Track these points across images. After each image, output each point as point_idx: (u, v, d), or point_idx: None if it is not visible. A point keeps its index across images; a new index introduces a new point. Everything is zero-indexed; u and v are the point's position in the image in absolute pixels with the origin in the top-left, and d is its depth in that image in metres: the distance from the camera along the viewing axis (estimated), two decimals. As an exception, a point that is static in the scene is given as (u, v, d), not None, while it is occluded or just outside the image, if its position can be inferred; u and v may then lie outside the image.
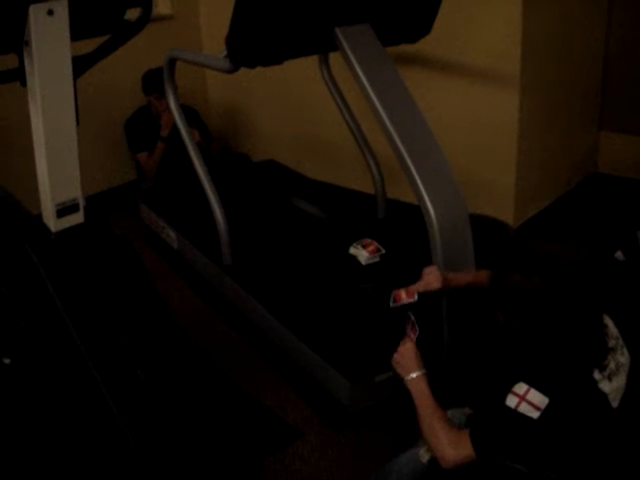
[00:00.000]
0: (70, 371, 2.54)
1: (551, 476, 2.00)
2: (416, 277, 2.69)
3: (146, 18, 2.67)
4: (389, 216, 4.14)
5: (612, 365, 1.94)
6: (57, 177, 2.53)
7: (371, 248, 3.38)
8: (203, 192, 3.74)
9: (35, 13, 2.21)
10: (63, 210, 2.58)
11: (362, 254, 3.37)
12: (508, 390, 1.90)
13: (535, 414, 1.86)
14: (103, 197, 5.14)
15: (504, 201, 4.35)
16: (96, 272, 2.64)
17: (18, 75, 2.39)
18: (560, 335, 1.92)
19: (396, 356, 2.23)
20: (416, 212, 2.99)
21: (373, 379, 2.95)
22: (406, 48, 3.56)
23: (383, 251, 3.39)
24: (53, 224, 2.59)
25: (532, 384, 1.87)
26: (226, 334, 3.71)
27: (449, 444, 1.96)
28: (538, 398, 1.86)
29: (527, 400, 1.86)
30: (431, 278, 2.65)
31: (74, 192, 2.59)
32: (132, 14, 2.71)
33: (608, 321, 2.02)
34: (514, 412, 1.87)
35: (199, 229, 4.06)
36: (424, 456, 2.22)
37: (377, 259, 3.37)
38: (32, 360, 2.56)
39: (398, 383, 2.30)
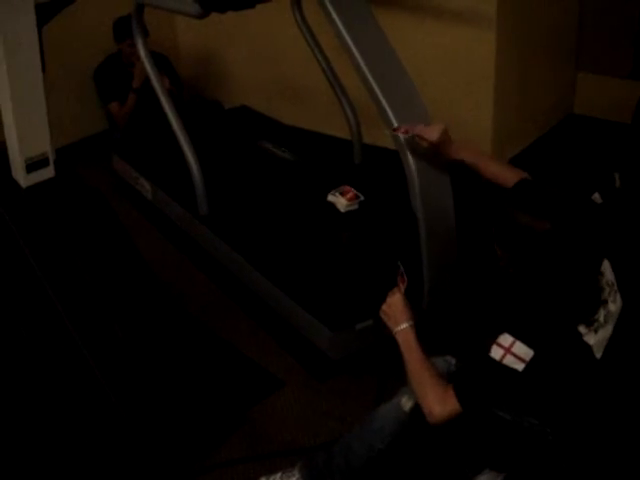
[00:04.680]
0: (45, 328, 2.50)
1: (534, 423, 2.00)
2: (396, 225, 2.66)
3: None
4: (366, 161, 4.09)
5: (601, 318, 1.93)
6: (25, 131, 2.45)
7: (349, 195, 3.34)
8: (176, 141, 3.66)
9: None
10: (33, 165, 2.51)
11: (340, 201, 3.33)
12: (493, 341, 1.88)
13: (520, 366, 1.84)
14: (74, 148, 5.03)
15: (481, 143, 4.30)
16: (69, 227, 2.59)
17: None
18: (556, 285, 1.89)
19: (384, 307, 2.19)
20: (393, 157, 2.95)
21: (354, 327, 2.94)
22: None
23: (362, 198, 3.35)
24: (23, 179, 2.53)
25: (517, 336, 1.85)
26: (205, 285, 3.68)
27: (436, 400, 1.94)
28: (523, 350, 1.84)
29: (512, 352, 1.85)
30: (434, 129, 2.59)
31: (43, 146, 2.53)
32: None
33: (606, 267, 1.99)
34: (499, 364, 1.86)
35: (173, 179, 3.99)
36: (406, 404, 2.22)
37: (356, 206, 3.33)
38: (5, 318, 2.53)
39: (379, 331, 2.28)
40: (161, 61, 4.85)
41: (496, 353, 1.87)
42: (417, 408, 2.09)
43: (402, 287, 2.22)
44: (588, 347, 1.92)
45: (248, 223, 3.54)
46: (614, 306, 1.98)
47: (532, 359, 1.84)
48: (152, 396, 2.62)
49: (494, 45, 4.08)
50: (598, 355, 1.95)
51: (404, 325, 2.12)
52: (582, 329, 1.90)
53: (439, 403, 1.93)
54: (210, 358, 3.02)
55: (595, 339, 1.93)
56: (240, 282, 3.45)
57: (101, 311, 2.58)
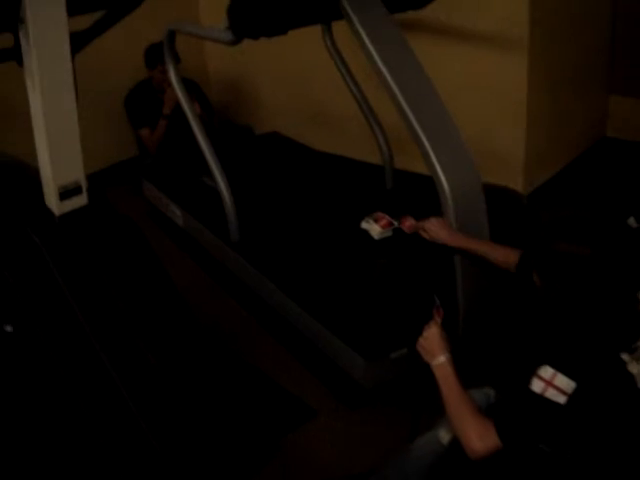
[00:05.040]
0: (78, 358, 2.48)
1: (573, 456, 1.95)
2: (430, 251, 2.63)
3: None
4: (398, 187, 4.06)
5: None
6: (59, 159, 2.44)
7: (383, 222, 3.31)
8: (207, 167, 3.65)
9: (31, -11, 2.12)
10: (66, 193, 2.50)
11: (374, 228, 3.30)
12: (533, 373, 1.84)
13: (562, 399, 1.80)
14: (104, 174, 5.05)
15: (513, 168, 4.27)
16: (102, 255, 2.57)
17: (14, 54, 2.30)
18: (597, 312, 1.85)
19: (421, 341, 2.14)
20: (425, 182, 2.92)
21: (389, 356, 2.89)
22: (410, 14, 3.46)
23: (396, 224, 3.31)
24: (56, 207, 2.51)
25: (559, 368, 1.81)
26: (236, 312, 3.65)
27: (476, 436, 1.89)
28: (565, 383, 1.80)
29: (554, 385, 1.81)
30: (438, 229, 2.66)
31: (77, 174, 2.52)
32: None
33: None
34: (540, 398, 1.81)
35: (204, 205, 3.99)
36: (444, 437, 2.17)
37: (390, 233, 3.30)
38: (40, 351, 2.51)
39: (414, 360, 2.24)
40: (192, 87, 4.87)
41: (537, 386, 1.82)
42: (455, 441, 2.04)
43: (438, 320, 2.18)
44: (631, 376, 1.86)
45: (280, 250, 3.52)
46: None
47: (574, 391, 1.79)
48: (185, 425, 2.58)
49: (526, 69, 4.05)
50: None
51: (441, 359, 2.07)
52: (625, 357, 1.85)
53: (479, 439, 1.88)
54: (242, 387, 2.99)
55: (638, 368, 1.87)
56: (272, 309, 3.41)
57: (134, 340, 2.56)
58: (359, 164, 4.58)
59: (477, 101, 4.17)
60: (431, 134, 2.86)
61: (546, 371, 1.82)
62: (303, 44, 4.23)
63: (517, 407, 1.89)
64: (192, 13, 5.44)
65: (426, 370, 2.13)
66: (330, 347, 3.05)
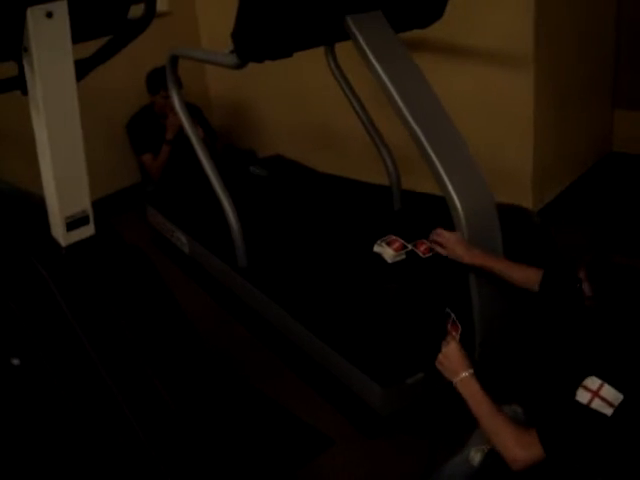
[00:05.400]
0: (87, 391, 2.41)
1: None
2: (444, 273, 2.58)
3: (150, 15, 2.52)
4: (406, 208, 4.00)
5: None
6: (65, 189, 2.38)
7: (396, 245, 3.24)
8: (212, 192, 3.61)
9: (33, 16, 2.05)
10: (73, 223, 2.44)
11: (387, 252, 3.23)
12: (577, 384, 1.80)
13: (609, 411, 1.76)
14: (107, 201, 5.01)
15: (522, 185, 4.22)
16: (111, 286, 2.50)
17: (18, 83, 2.24)
18: None
19: (441, 358, 2.08)
20: (433, 202, 2.87)
21: (405, 382, 2.82)
22: (415, 32, 3.43)
23: (409, 247, 3.25)
24: (63, 238, 2.45)
25: (606, 379, 1.77)
26: (246, 340, 3.58)
27: (518, 445, 1.84)
28: (612, 394, 1.76)
29: (600, 396, 1.76)
30: (454, 245, 2.62)
31: (83, 204, 2.46)
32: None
33: None
34: (586, 408, 1.78)
35: (210, 231, 3.93)
36: (474, 457, 2.11)
37: (403, 256, 3.23)
38: (48, 384, 2.44)
39: (432, 384, 2.17)
40: (194, 112, 4.83)
41: (583, 397, 1.79)
42: (486, 462, 2.02)
43: (456, 335, 2.12)
44: None
45: (289, 275, 3.46)
46: None
47: (621, 403, 1.76)
48: (197, 457, 2.51)
49: (532, 85, 4.02)
50: None
51: (464, 374, 2.02)
52: None
53: (522, 448, 1.83)
54: (255, 416, 2.92)
55: None
56: (282, 336, 3.35)
57: (144, 371, 2.49)
58: (365, 185, 4.53)
59: (484, 118, 4.13)
60: (441, 153, 2.82)
61: (593, 382, 1.78)
62: (305, 65, 4.19)
63: (561, 417, 1.85)
64: (193, 37, 5.41)
65: (444, 394, 2.07)
66: (344, 374, 2.98)
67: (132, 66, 4.76)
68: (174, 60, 3.59)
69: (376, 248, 3.28)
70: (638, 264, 1.83)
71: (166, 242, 4.39)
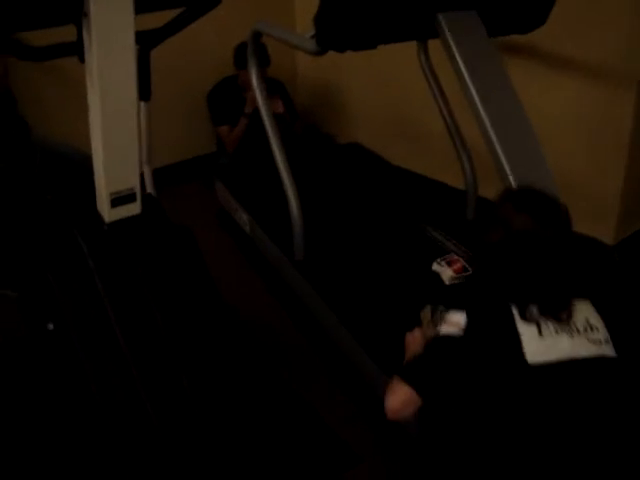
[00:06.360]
0: (111, 376, 2.33)
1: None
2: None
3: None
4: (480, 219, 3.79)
5: (551, 326, 1.84)
6: (113, 164, 2.29)
7: (457, 266, 3.03)
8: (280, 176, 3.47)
9: (94, -17, 1.96)
10: (118, 199, 2.35)
11: (446, 272, 3.02)
12: None
13: (456, 330, 1.83)
14: (181, 167, 4.95)
15: (606, 213, 3.94)
16: (149, 269, 2.41)
17: (76, 49, 2.13)
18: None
19: (409, 337, 2.21)
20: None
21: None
22: (513, 37, 3.20)
23: (470, 271, 3.04)
24: (107, 214, 2.36)
25: (451, 306, 1.89)
26: (292, 335, 3.43)
27: (388, 393, 1.88)
28: (457, 317, 1.85)
29: (448, 321, 1.85)
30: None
31: (132, 181, 2.36)
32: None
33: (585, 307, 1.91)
34: (437, 337, 1.86)
35: (273, 216, 3.81)
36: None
37: (462, 279, 3.03)
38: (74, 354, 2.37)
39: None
40: (277, 87, 4.73)
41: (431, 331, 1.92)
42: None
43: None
44: (517, 335, 1.81)
45: (345, 278, 3.30)
46: (573, 341, 1.84)
47: (467, 325, 1.83)
48: (220, 465, 2.40)
49: (633, 106, 3.72)
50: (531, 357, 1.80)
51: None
52: (514, 310, 1.84)
53: (390, 394, 1.86)
54: (288, 422, 2.79)
55: (530, 333, 1.82)
56: (329, 339, 3.21)
57: (172, 363, 2.39)
58: (441, 187, 4.33)
59: (574, 136, 3.86)
60: (517, 166, 2.64)
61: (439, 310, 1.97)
62: (397, 57, 4.02)
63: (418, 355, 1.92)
64: (287, 7, 5.27)
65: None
66: (383, 389, 2.82)
67: (220, 34, 4.66)
68: (256, 36, 3.45)
69: (435, 267, 3.08)
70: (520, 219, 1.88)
71: (230, 219, 4.29)
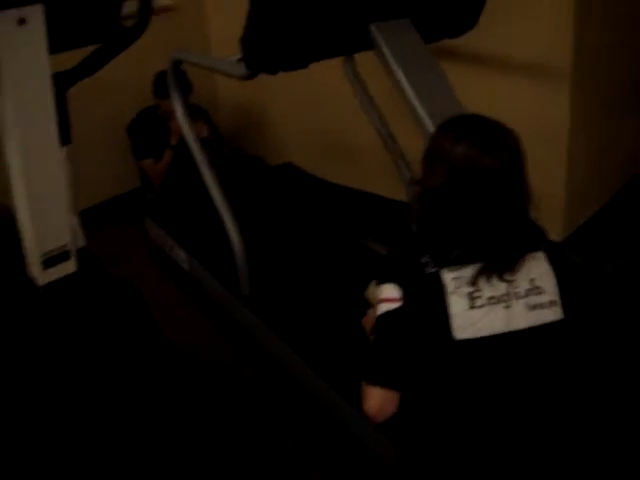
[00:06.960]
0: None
1: None
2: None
3: (145, 21, 2.20)
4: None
5: (486, 295, 1.66)
6: (42, 221, 2.07)
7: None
8: (215, 206, 3.30)
9: (2, 24, 1.74)
10: (51, 260, 2.12)
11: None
12: None
13: (396, 305, 1.66)
14: (106, 207, 4.70)
15: (552, 209, 3.87)
16: (91, 332, 2.19)
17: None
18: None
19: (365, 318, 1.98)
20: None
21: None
22: (445, 41, 3.10)
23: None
24: (40, 277, 2.14)
25: (383, 280, 1.70)
26: (249, 378, 3.23)
27: (363, 400, 1.70)
28: (391, 289, 1.68)
29: (384, 299, 1.68)
30: None
31: (64, 237, 2.13)
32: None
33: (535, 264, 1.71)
34: (379, 317, 1.68)
35: (211, 250, 3.62)
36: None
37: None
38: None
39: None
40: (199, 113, 4.53)
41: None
42: None
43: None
44: (445, 307, 1.65)
45: (294, 307, 3.15)
46: (509, 311, 1.68)
47: (403, 296, 1.66)
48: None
49: (568, 101, 3.68)
50: (458, 333, 1.65)
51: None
52: (426, 259, 1.65)
53: (365, 401, 1.69)
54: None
55: (461, 305, 1.65)
56: (288, 374, 3.05)
57: (124, 427, 2.19)
58: (382, 201, 4.21)
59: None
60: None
61: (374, 290, 1.74)
62: (320, 70, 3.87)
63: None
64: (201, 33, 5.10)
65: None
66: (354, 424, 2.68)
67: (136, 64, 4.44)
68: (177, 64, 3.26)
69: (370, 291, 2.94)
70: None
71: (165, 256, 4.08)
